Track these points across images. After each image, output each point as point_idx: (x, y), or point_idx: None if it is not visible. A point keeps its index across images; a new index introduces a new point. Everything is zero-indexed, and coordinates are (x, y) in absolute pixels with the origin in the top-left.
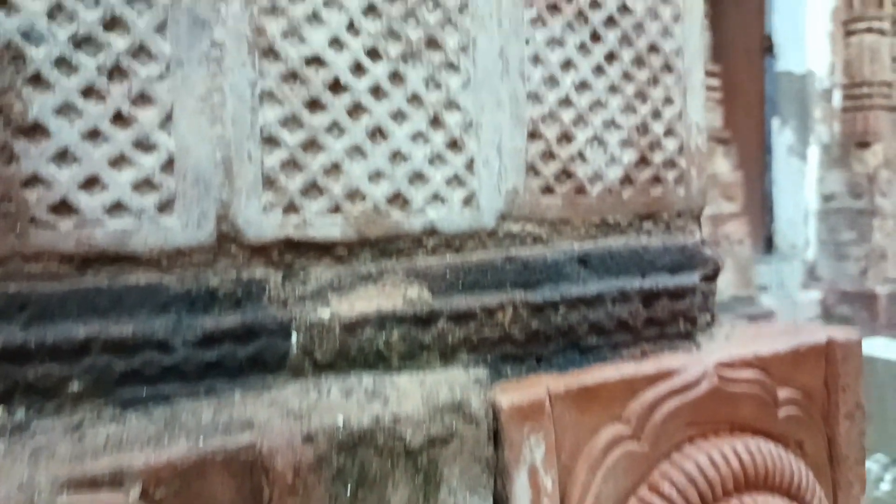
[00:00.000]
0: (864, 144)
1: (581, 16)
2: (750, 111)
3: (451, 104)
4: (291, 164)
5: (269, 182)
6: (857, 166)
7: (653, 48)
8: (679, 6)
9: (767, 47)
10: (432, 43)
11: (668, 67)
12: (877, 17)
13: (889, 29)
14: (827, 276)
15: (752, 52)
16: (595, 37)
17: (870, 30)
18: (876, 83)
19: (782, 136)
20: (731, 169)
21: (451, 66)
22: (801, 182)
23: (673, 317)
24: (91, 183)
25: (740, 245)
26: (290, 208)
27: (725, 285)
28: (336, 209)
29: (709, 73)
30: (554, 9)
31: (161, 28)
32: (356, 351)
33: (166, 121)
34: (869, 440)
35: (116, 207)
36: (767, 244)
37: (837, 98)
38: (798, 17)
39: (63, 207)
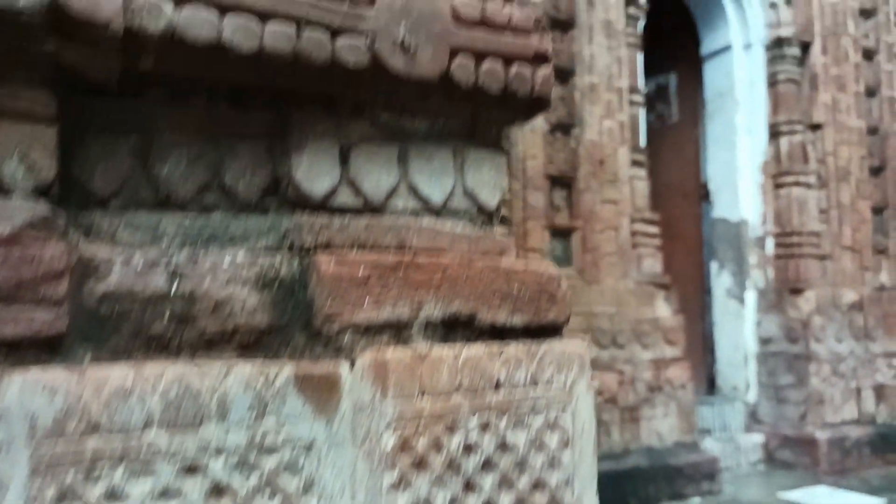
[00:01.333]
0: (797, 291)
1: (453, 466)
2: (690, 254)
3: None
4: None
5: None
6: (792, 311)
7: (538, 485)
8: (568, 430)
9: (704, 194)
10: None
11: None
12: (803, 171)
13: (815, 183)
14: (768, 419)
15: (691, 197)
16: (469, 486)
17: (797, 183)
18: (805, 233)
19: (721, 280)
20: (672, 313)
21: None
22: (740, 325)
23: None
24: None
25: (683, 390)
26: None
27: (669, 430)
28: None
29: (649, 221)
30: (420, 466)
31: None
32: None
33: None
34: None
35: None
36: (710, 385)
37: (770, 245)
38: (731, 169)
39: None
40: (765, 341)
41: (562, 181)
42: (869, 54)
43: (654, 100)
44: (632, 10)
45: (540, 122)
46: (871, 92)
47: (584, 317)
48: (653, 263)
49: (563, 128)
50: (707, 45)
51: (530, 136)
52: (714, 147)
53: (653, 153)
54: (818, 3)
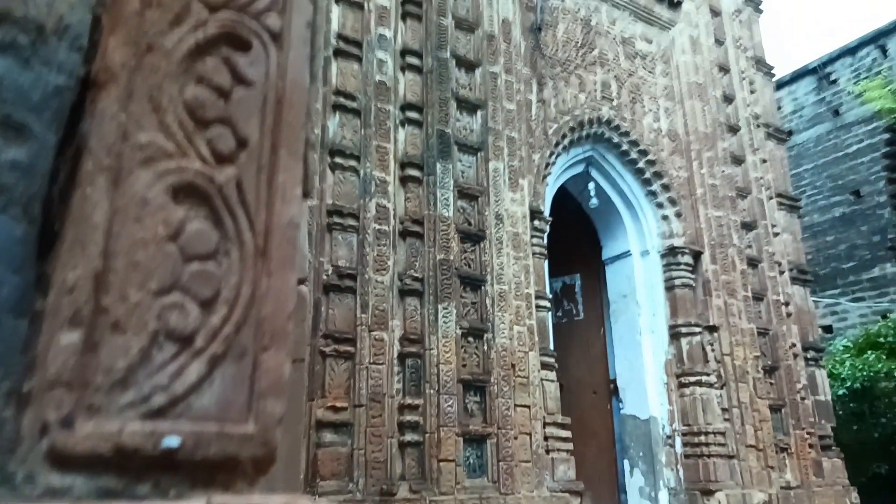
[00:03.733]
0: (707, 492)
1: None
2: (602, 452)
3: None
4: None
5: None
6: None
7: None
8: None
9: (614, 390)
10: None
11: None
12: (704, 371)
13: (716, 382)
14: None
15: (601, 393)
16: None
17: (699, 383)
18: (710, 432)
19: (634, 479)
20: None
21: None
22: None
23: None
24: None
25: None
26: None
27: None
28: None
29: (561, 425)
30: None
31: None
32: None
33: None
34: None
35: None
36: None
37: (679, 444)
38: (636, 367)
39: None
40: None
41: (475, 385)
42: (753, 262)
43: (561, 297)
44: (537, 223)
45: (453, 328)
46: (759, 297)
47: None
48: (566, 469)
49: (476, 333)
50: (608, 251)
51: (444, 342)
52: (619, 346)
53: (562, 349)
54: (705, 217)
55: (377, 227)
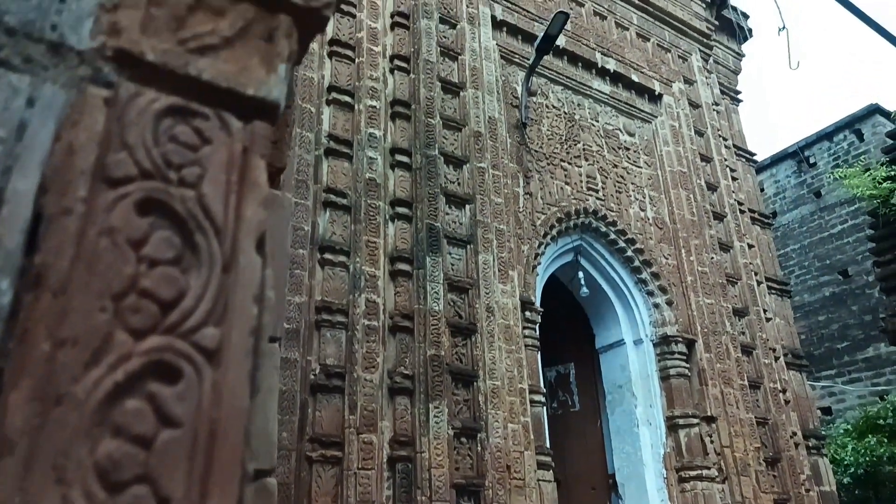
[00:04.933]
0: None
1: None
2: None
3: None
4: None
5: None
6: None
7: None
8: None
9: (613, 484)
10: None
11: None
12: (704, 465)
13: (717, 476)
14: None
15: (600, 490)
16: None
17: (700, 477)
18: None
19: None
20: None
21: None
22: None
23: None
24: None
25: None
26: None
27: None
28: None
29: None
30: None
31: None
32: None
33: None
34: None
35: None
36: None
37: None
38: (635, 461)
39: None
40: None
41: (469, 490)
42: (748, 350)
43: (556, 387)
44: (529, 314)
45: (445, 428)
46: (755, 385)
47: None
48: None
49: (469, 433)
50: (601, 340)
51: (436, 443)
52: (617, 438)
53: (558, 442)
54: (696, 304)
55: (366, 322)
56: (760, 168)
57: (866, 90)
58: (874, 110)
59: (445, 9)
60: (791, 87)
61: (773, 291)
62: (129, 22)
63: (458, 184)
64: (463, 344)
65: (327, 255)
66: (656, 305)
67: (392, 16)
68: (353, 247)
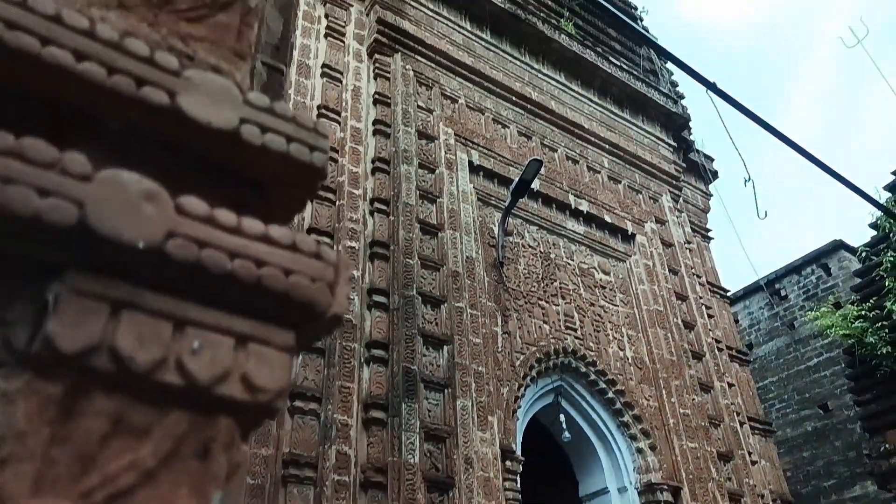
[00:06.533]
0: None
1: None
2: None
3: None
4: None
5: None
6: None
7: None
8: None
9: None
10: None
11: None
12: None
13: None
14: None
15: None
16: None
17: None
18: None
19: None
20: None
21: None
22: None
23: None
24: None
25: None
26: None
27: None
28: None
29: None
30: None
31: None
32: None
33: None
34: None
35: None
36: None
37: None
38: None
39: None
40: None
41: None
42: (735, 497)
43: None
44: (509, 464)
45: None
46: None
47: None
48: None
49: None
50: (584, 487)
51: None
52: None
53: None
54: (680, 449)
55: (336, 477)
56: (734, 300)
57: (830, 223)
58: (839, 246)
59: (425, 155)
60: (759, 224)
61: (757, 432)
62: (18, 484)
63: (436, 324)
64: (440, 500)
65: (297, 403)
66: (639, 450)
67: (373, 161)
68: (325, 392)
